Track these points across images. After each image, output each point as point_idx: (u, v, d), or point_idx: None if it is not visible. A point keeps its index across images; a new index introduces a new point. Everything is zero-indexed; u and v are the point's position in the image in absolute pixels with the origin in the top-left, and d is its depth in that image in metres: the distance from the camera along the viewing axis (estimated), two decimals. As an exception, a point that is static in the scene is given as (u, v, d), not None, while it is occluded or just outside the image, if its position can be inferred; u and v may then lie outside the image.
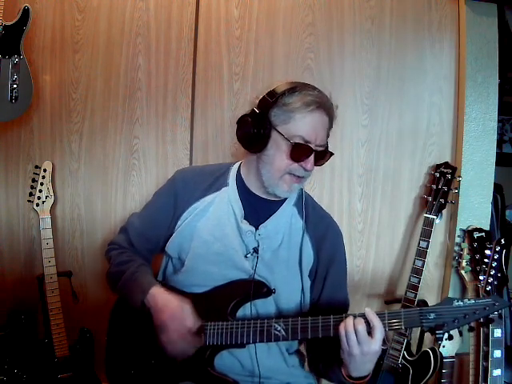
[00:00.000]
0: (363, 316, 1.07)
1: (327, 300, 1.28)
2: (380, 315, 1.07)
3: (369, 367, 1.09)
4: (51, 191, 1.83)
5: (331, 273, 1.28)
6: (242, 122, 1.21)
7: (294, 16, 1.89)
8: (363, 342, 1.03)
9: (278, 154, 1.17)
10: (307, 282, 1.26)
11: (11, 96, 1.66)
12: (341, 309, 1.27)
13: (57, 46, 1.88)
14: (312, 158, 1.17)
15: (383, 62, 1.92)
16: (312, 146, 1.17)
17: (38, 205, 1.81)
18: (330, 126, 1.22)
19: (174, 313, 1.14)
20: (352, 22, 1.90)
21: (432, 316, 1.05)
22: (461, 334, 1.12)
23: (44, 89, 1.88)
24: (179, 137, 1.92)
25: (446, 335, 1.06)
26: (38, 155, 1.90)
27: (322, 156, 1.20)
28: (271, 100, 1.16)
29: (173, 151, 1.93)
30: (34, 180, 1.82)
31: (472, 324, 1.08)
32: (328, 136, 1.22)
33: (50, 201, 1.83)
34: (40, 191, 1.81)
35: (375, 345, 1.04)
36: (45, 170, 1.82)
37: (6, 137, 1.89)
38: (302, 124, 1.15)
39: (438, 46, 1.91)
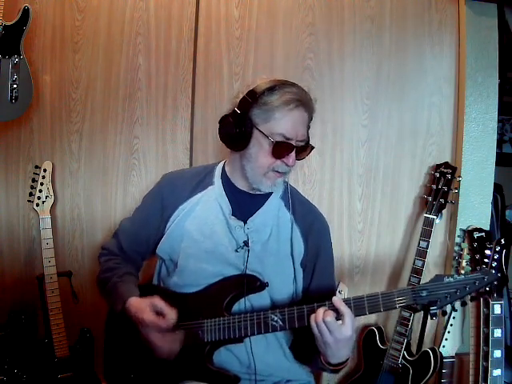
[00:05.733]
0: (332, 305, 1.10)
1: (316, 288, 1.31)
2: (359, 299, 1.10)
3: (345, 353, 1.12)
4: (51, 191, 1.83)
5: (319, 262, 1.32)
6: (224, 122, 1.23)
7: (294, 16, 1.89)
8: (334, 329, 1.06)
9: (260, 152, 1.20)
10: (300, 272, 1.30)
11: (11, 96, 1.66)
12: (329, 295, 1.29)
13: (57, 46, 1.88)
14: (293, 154, 1.20)
15: (383, 62, 1.92)
16: (293, 142, 1.19)
17: (38, 205, 1.81)
18: (310, 120, 1.25)
19: (144, 318, 1.15)
20: (352, 22, 1.91)
21: (425, 293, 1.07)
22: (454, 308, 1.12)
23: (44, 89, 1.88)
24: (179, 137, 1.93)
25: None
26: (38, 155, 1.90)
27: (303, 150, 1.23)
28: (251, 100, 1.18)
29: (173, 151, 1.93)
30: (34, 180, 1.82)
31: (465, 299, 1.10)
32: (309, 128, 1.25)
33: (50, 201, 1.83)
34: (40, 191, 1.81)
35: (346, 330, 1.07)
36: (45, 170, 1.82)
37: (6, 137, 1.89)
38: (283, 122, 1.18)
39: (438, 46, 1.91)
